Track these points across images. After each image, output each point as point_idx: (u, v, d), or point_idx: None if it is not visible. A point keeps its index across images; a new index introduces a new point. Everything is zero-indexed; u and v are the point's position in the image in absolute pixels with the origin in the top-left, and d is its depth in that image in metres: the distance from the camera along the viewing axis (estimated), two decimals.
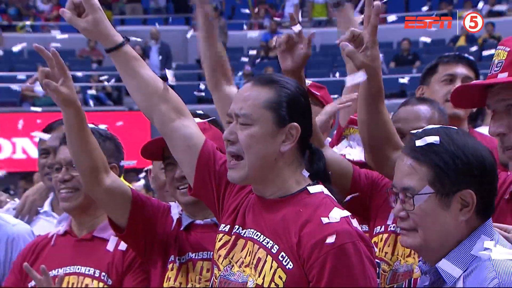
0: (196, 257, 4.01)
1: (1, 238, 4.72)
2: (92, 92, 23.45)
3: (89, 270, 4.16)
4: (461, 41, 24.20)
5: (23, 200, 5.05)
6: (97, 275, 4.15)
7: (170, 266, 4.04)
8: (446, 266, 2.91)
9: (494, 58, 2.94)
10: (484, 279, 2.80)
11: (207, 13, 4.57)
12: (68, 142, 3.86)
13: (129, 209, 3.93)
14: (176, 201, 4.23)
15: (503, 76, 2.84)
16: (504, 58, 2.89)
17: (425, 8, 23.97)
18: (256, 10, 26.38)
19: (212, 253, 3.76)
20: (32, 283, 4.19)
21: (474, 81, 3.34)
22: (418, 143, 2.94)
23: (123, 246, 4.17)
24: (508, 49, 2.89)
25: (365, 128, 3.71)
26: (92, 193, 3.98)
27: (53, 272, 4.03)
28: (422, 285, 3.10)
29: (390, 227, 4.02)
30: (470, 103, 3.26)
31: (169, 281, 4.00)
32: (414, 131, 3.13)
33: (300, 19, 16.17)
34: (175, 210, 4.17)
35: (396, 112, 4.40)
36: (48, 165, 4.79)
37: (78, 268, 4.16)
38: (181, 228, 4.09)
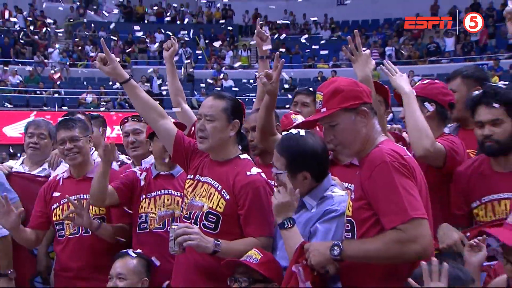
0: (160, 193, 3.86)
1: None
2: (118, 101, 22.82)
3: (87, 196, 3.84)
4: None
5: (52, 156, 4.59)
6: None
7: (143, 200, 3.87)
8: (308, 199, 2.93)
9: (317, 99, 2.77)
10: (330, 204, 2.88)
11: (172, 63, 4.50)
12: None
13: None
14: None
15: (323, 111, 2.67)
16: (321, 99, 2.70)
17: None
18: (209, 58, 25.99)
19: (170, 190, 3.86)
20: (54, 206, 4.03)
21: (308, 118, 3.15)
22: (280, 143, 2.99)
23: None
24: (322, 93, 2.70)
25: (261, 121, 3.60)
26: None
27: (67, 198, 3.84)
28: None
29: None
30: (313, 125, 3.03)
31: (143, 208, 3.85)
32: (284, 133, 3.12)
33: (234, 64, 16.54)
34: (145, 164, 4.08)
35: None
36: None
37: (82, 196, 3.90)
38: (152, 177, 3.90)
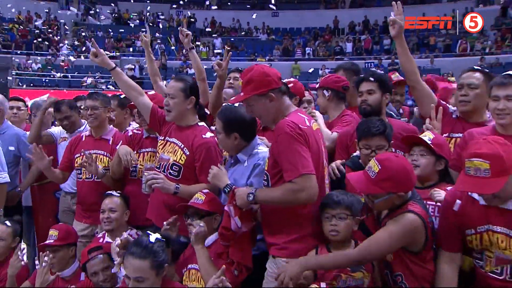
0: (148, 150, 3.66)
1: (13, 134, 4.35)
2: (110, 83, 21.43)
3: (100, 152, 3.88)
4: None
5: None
6: (104, 154, 3.88)
7: (135, 154, 3.62)
8: (240, 155, 2.82)
9: (239, 83, 2.60)
10: (257, 159, 2.77)
11: (148, 50, 4.31)
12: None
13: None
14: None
15: (241, 95, 2.56)
16: (240, 85, 2.56)
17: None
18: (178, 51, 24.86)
19: (155, 149, 3.52)
20: (76, 155, 3.93)
21: (232, 99, 2.80)
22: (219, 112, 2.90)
23: (115, 143, 3.86)
24: (242, 80, 2.55)
25: (213, 98, 3.49)
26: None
27: (82, 152, 3.78)
28: (229, 164, 2.92)
29: None
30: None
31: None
32: (224, 104, 3.01)
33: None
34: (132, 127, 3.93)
35: None
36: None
37: (96, 151, 3.86)
38: (144, 137, 3.68)
